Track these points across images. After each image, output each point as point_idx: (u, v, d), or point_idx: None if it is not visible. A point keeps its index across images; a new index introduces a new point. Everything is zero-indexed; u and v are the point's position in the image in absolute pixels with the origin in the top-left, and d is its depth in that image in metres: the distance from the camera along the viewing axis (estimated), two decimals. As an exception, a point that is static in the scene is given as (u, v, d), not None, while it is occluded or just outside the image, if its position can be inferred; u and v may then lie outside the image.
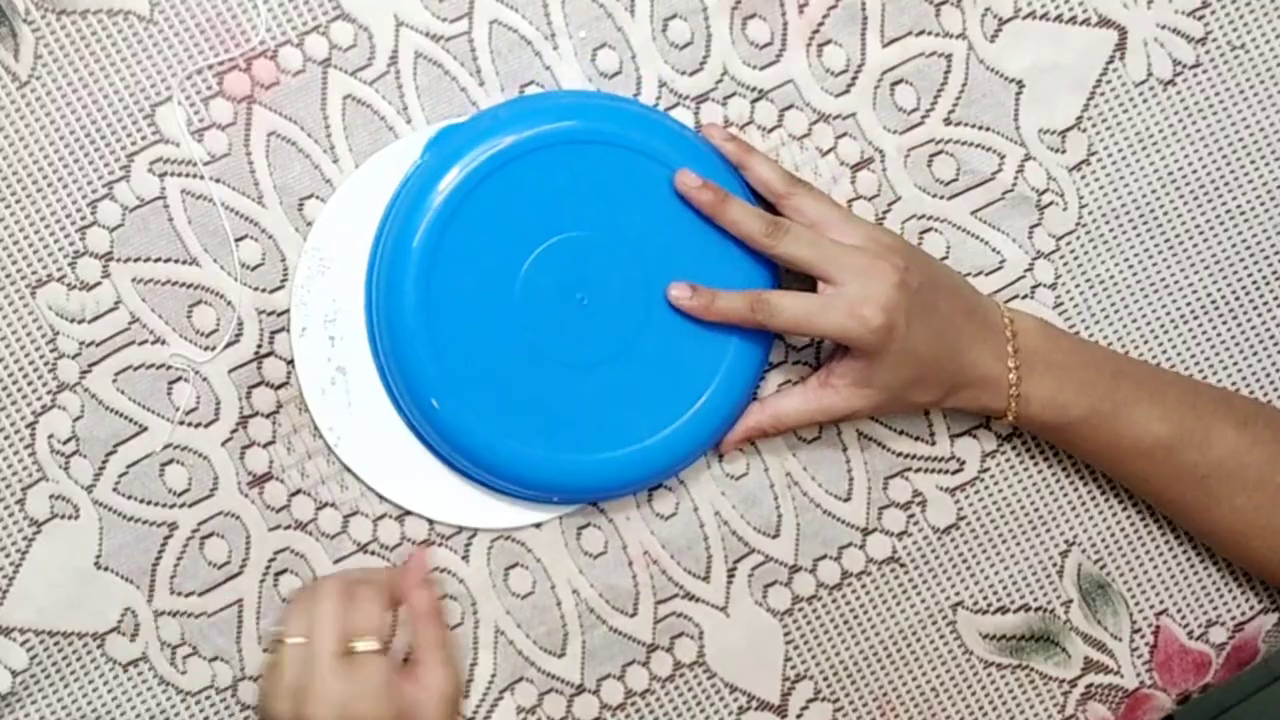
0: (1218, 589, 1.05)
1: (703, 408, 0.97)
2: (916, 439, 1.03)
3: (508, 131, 0.94)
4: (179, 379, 0.97)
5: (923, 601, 1.04)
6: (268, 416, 0.98)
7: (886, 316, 0.91)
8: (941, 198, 1.02)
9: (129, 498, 0.97)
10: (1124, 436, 0.97)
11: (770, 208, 0.96)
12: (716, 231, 0.96)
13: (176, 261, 0.97)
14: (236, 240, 0.97)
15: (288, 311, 0.97)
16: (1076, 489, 1.04)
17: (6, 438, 0.96)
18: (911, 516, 1.04)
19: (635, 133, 0.95)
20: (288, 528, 0.99)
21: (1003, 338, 0.96)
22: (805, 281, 0.94)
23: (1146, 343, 1.04)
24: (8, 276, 0.95)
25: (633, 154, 0.95)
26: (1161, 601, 1.05)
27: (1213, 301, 1.04)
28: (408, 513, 1.00)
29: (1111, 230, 1.03)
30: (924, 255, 0.98)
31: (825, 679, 1.04)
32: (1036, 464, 1.04)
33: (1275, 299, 1.05)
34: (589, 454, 0.96)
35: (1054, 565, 1.04)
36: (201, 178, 0.96)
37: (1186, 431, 0.97)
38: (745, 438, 0.99)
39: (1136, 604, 1.05)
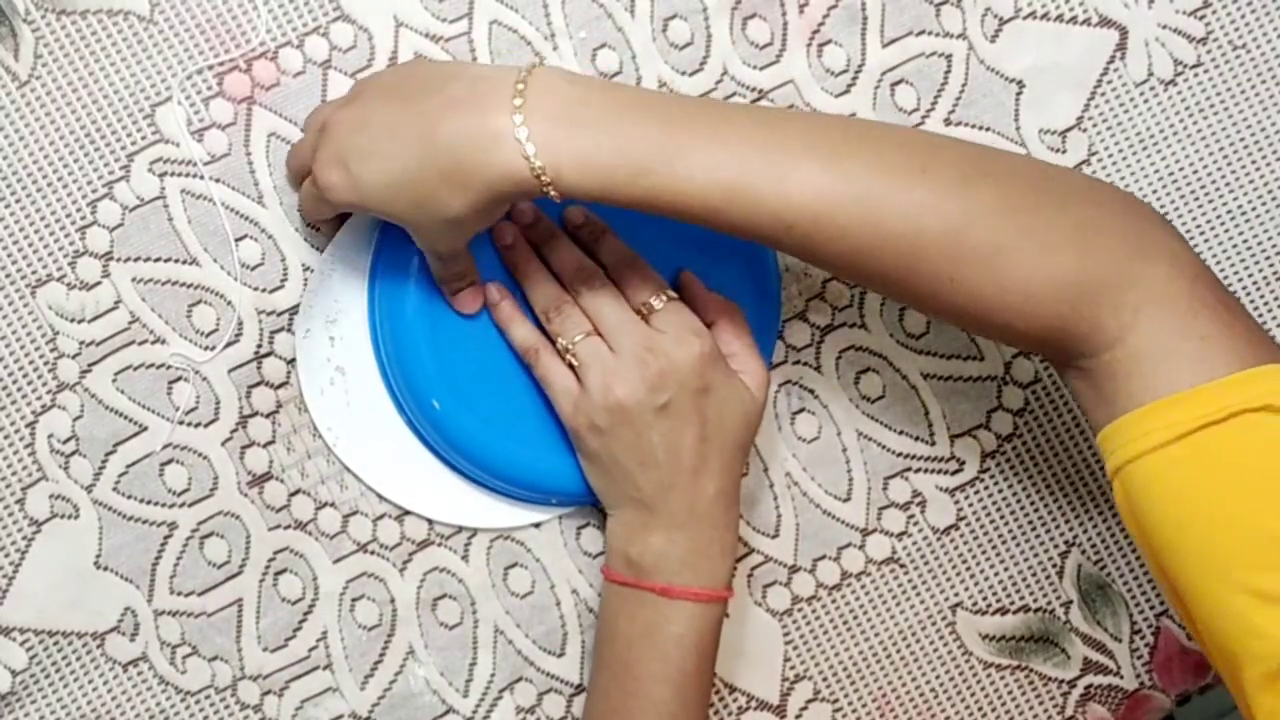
0: (1217, 590, 1.05)
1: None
2: (916, 439, 1.03)
3: None
4: (179, 379, 0.97)
5: (922, 602, 1.04)
6: (267, 416, 0.98)
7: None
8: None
9: (129, 497, 0.97)
10: (677, 193, 0.83)
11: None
12: (716, 234, 0.96)
13: (176, 261, 0.97)
14: (236, 240, 0.97)
15: (288, 311, 0.97)
16: (1076, 489, 1.04)
17: (6, 437, 0.96)
18: (911, 517, 1.04)
19: None
20: (287, 527, 0.99)
21: (508, 103, 0.82)
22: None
23: (1147, 343, 1.04)
24: (8, 276, 0.95)
25: None
26: (1161, 602, 1.05)
27: (1213, 302, 1.04)
28: (407, 512, 1.00)
29: (1112, 231, 1.03)
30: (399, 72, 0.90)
31: (824, 679, 1.04)
32: (1036, 464, 1.04)
33: (1275, 299, 1.05)
34: None
35: (1054, 566, 1.04)
36: (201, 178, 0.96)
37: (752, 175, 0.82)
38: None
39: (1136, 605, 1.05)
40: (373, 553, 1.00)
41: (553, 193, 0.82)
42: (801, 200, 0.81)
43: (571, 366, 0.93)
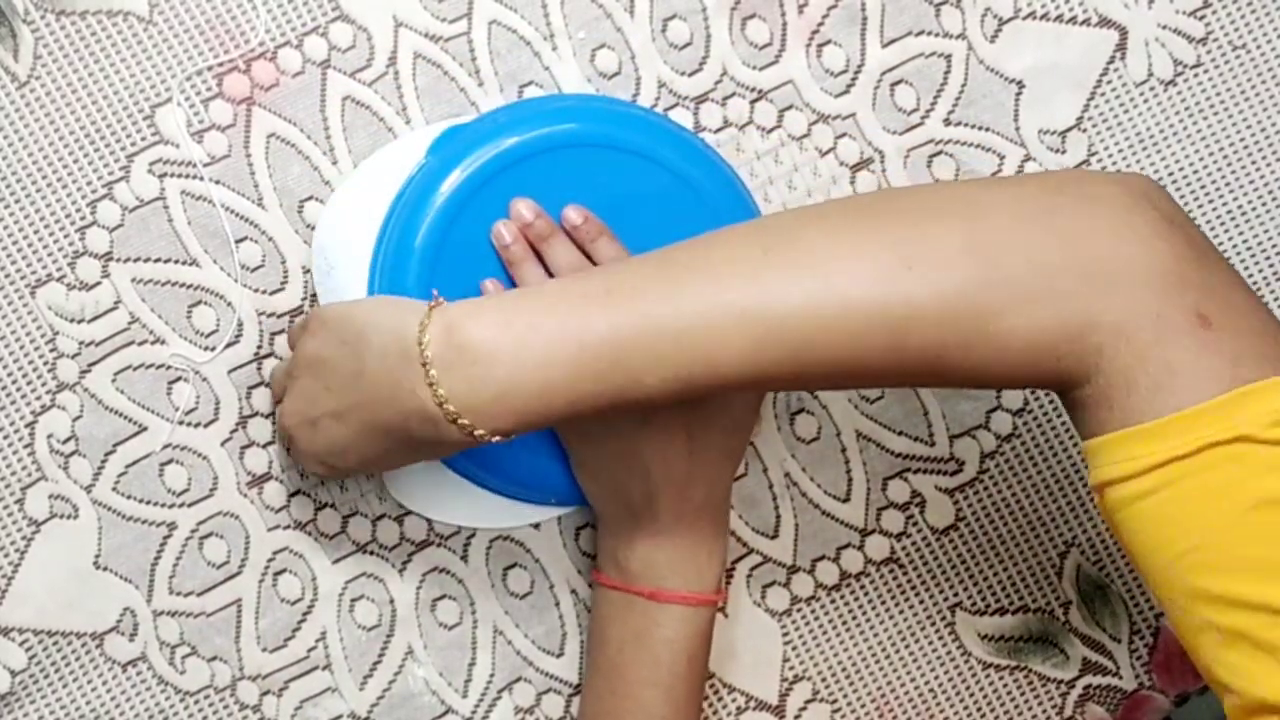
0: (1217, 590, 1.05)
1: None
2: (916, 440, 1.03)
3: (510, 134, 0.94)
4: (179, 379, 0.97)
5: (921, 602, 1.04)
6: (267, 417, 0.98)
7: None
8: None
9: (128, 497, 0.97)
10: (638, 375, 0.79)
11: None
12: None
13: (176, 262, 0.97)
14: (236, 241, 0.97)
15: (288, 313, 0.97)
16: (1076, 490, 1.04)
17: (6, 437, 0.96)
18: (910, 517, 1.04)
19: (637, 136, 0.95)
20: (287, 528, 0.99)
21: (415, 361, 0.80)
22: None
23: (1146, 344, 1.04)
24: (7, 276, 0.95)
25: (635, 157, 0.95)
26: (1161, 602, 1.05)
27: (1213, 302, 1.04)
28: (407, 513, 1.00)
29: (1111, 231, 1.03)
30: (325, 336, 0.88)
31: (824, 680, 1.04)
32: (1036, 465, 1.04)
33: (1275, 299, 1.05)
34: None
35: (1053, 566, 1.04)
36: (201, 179, 0.96)
37: (688, 363, 0.78)
38: None
39: (1136, 605, 1.05)
40: (372, 553, 1.00)
41: (495, 438, 0.80)
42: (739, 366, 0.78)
43: None
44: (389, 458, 0.86)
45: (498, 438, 0.80)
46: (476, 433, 0.79)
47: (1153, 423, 0.73)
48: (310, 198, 0.97)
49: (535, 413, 0.79)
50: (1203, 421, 0.72)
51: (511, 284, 0.95)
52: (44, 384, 0.96)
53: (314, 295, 0.97)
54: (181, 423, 0.98)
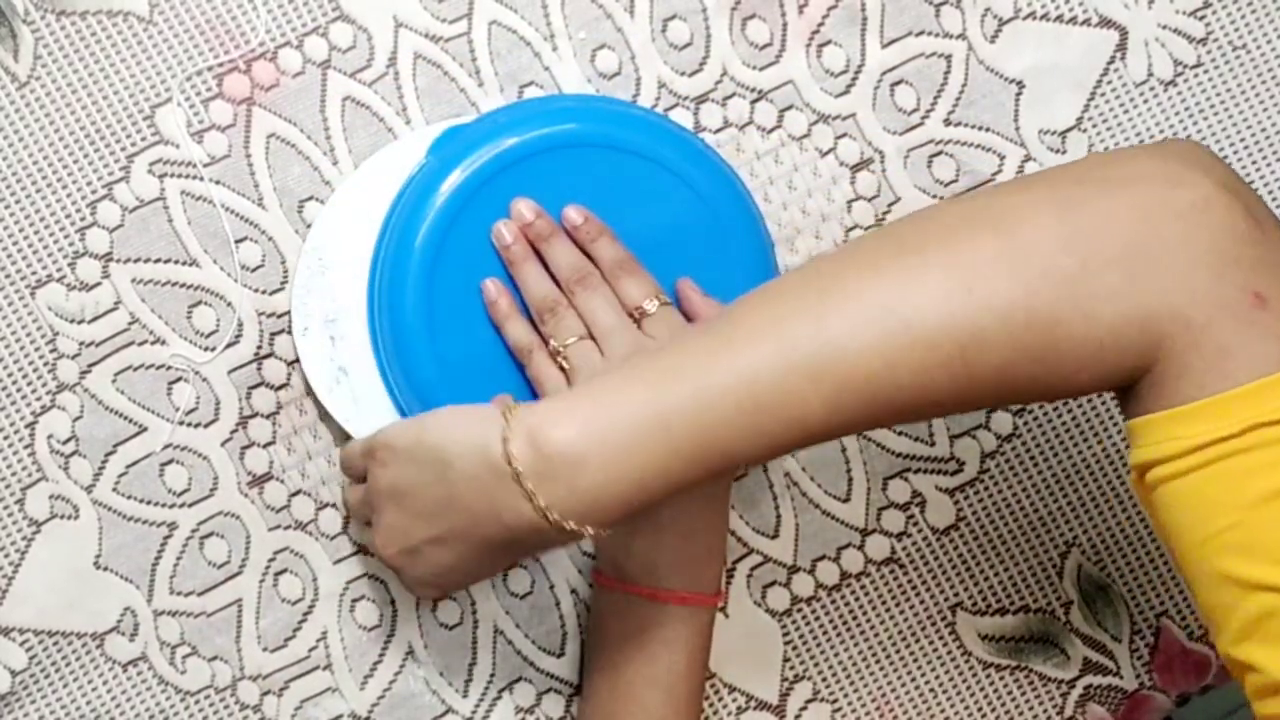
0: (1217, 590, 1.05)
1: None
2: (916, 439, 1.03)
3: (510, 134, 0.95)
4: (179, 379, 0.97)
5: (921, 602, 1.04)
6: (268, 417, 0.98)
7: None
8: (941, 198, 1.02)
9: (129, 498, 0.97)
10: (715, 456, 0.79)
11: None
12: (717, 234, 0.96)
13: (176, 262, 0.97)
14: (236, 242, 0.97)
15: (288, 313, 0.97)
16: (1076, 490, 1.04)
17: (6, 438, 0.96)
18: (911, 517, 1.04)
19: (637, 136, 0.95)
20: (287, 528, 0.99)
21: (508, 478, 0.80)
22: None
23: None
24: (7, 277, 0.95)
25: (635, 157, 0.95)
26: (1162, 602, 1.05)
27: (1213, 302, 1.04)
28: (408, 512, 1.00)
29: (1111, 231, 1.03)
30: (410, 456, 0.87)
31: (824, 679, 1.04)
32: (1036, 465, 1.04)
33: (1276, 300, 1.04)
34: None
35: (1053, 566, 1.04)
36: (201, 179, 0.96)
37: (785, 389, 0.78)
38: None
39: (1136, 605, 1.05)
40: (373, 553, 1.00)
41: (600, 530, 0.81)
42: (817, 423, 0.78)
43: (563, 369, 0.93)
44: (497, 567, 0.90)
45: (606, 530, 0.81)
46: (585, 531, 0.80)
47: (1198, 403, 0.73)
48: (310, 198, 0.97)
49: (636, 502, 0.80)
50: (1249, 402, 0.72)
51: (512, 283, 0.95)
52: (44, 384, 0.96)
53: (298, 296, 0.97)
54: (182, 423, 0.98)
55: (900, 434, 1.03)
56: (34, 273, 0.96)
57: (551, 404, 0.82)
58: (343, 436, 0.98)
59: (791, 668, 1.04)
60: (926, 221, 0.80)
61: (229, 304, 0.97)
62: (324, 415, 0.98)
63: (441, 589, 0.90)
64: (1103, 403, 1.04)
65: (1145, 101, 1.03)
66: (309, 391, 0.98)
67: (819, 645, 1.04)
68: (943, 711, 1.05)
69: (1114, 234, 0.74)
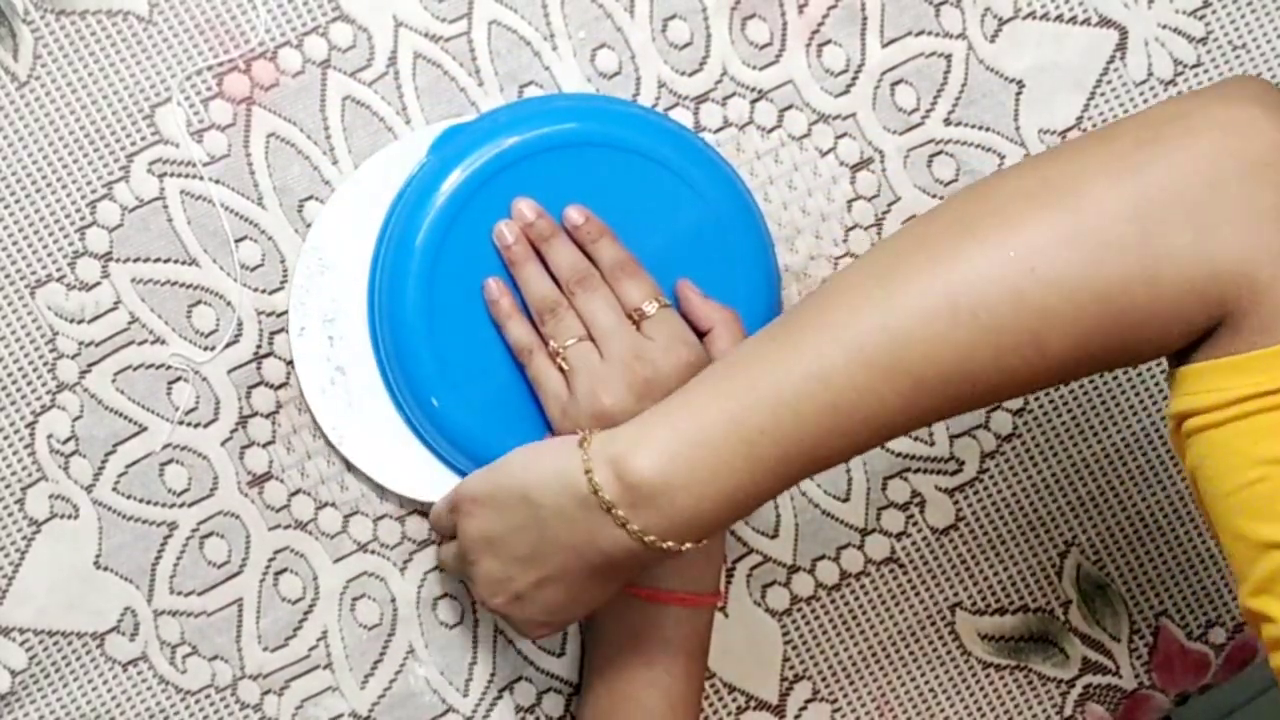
0: (1217, 589, 1.05)
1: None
2: (916, 439, 1.03)
3: (511, 133, 0.95)
4: (178, 379, 0.97)
5: (921, 602, 1.04)
6: (267, 416, 0.98)
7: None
8: (942, 198, 1.02)
9: (128, 497, 0.97)
10: (827, 465, 0.81)
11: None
12: (717, 234, 0.96)
13: (176, 262, 0.97)
14: (236, 241, 0.97)
15: (287, 312, 0.97)
16: (1076, 490, 1.04)
17: (6, 438, 0.96)
18: (910, 517, 1.04)
19: (637, 135, 0.95)
20: (287, 527, 0.99)
21: (598, 509, 0.82)
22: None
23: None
24: (7, 277, 0.95)
25: (635, 156, 0.95)
26: (1161, 602, 1.05)
27: (1213, 302, 1.04)
28: (409, 512, 1.00)
29: (1111, 231, 1.03)
30: (502, 499, 0.89)
31: (824, 679, 1.04)
32: (1036, 465, 1.04)
33: (1275, 299, 1.04)
34: None
35: (1053, 566, 1.04)
36: (201, 178, 0.96)
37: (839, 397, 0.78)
38: None
39: (1136, 605, 1.05)
40: (373, 552, 1.00)
41: (677, 547, 0.82)
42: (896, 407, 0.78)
43: (562, 370, 0.93)
44: (606, 593, 0.88)
45: (705, 542, 0.83)
46: (684, 549, 0.82)
47: (1245, 355, 0.72)
48: (310, 197, 0.97)
49: (729, 516, 0.82)
50: None
51: (512, 282, 0.95)
52: (44, 384, 0.96)
53: (296, 295, 0.97)
54: (181, 423, 0.98)
55: (900, 433, 1.03)
56: (34, 272, 0.96)
57: (630, 432, 0.83)
58: (328, 443, 0.99)
59: (791, 667, 1.04)
60: (982, 200, 0.79)
61: (229, 303, 0.97)
62: (324, 415, 0.99)
63: (554, 626, 0.91)
64: (1102, 402, 1.04)
65: (1145, 101, 1.03)
66: (308, 391, 0.98)
67: (819, 645, 1.04)
68: (942, 711, 1.05)
69: (1176, 195, 0.73)
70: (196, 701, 0.99)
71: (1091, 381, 1.03)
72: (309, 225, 0.97)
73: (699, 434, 0.80)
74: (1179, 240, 0.73)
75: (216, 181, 0.97)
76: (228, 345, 0.97)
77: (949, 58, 1.02)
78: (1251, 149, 0.73)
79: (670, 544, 0.82)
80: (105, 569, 0.98)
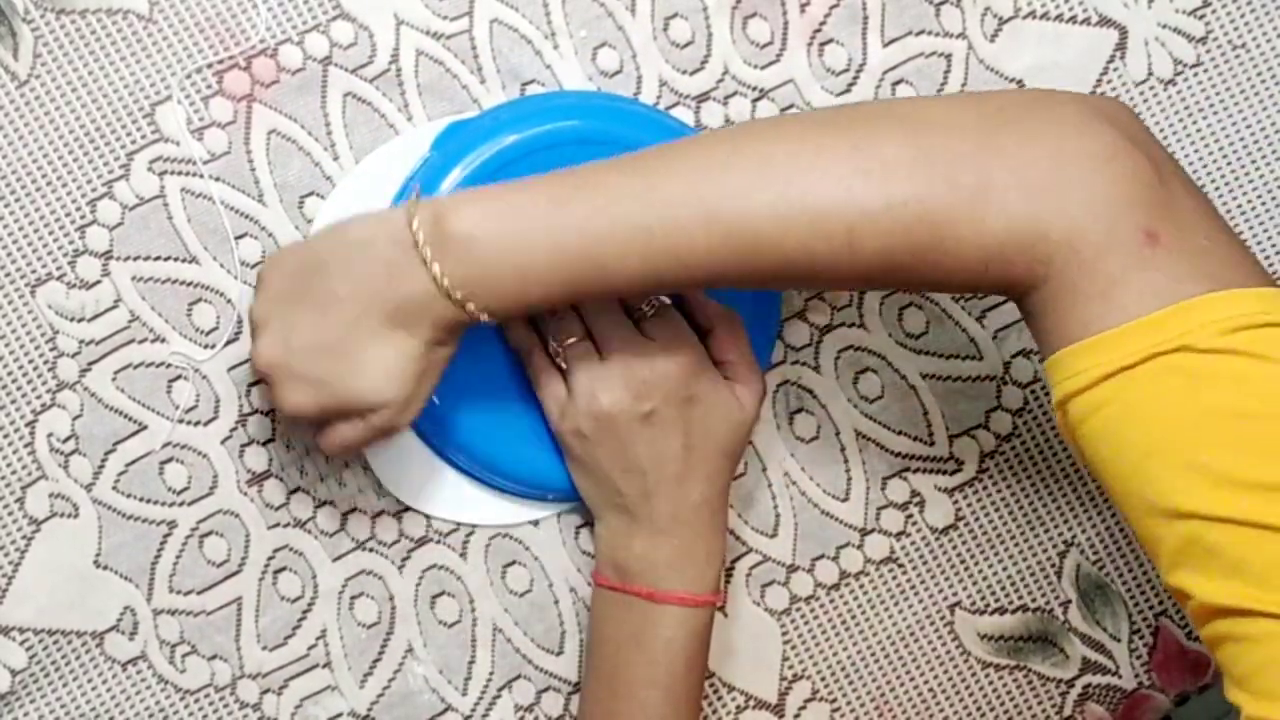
0: (1216, 589, 1.05)
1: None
2: (915, 439, 1.03)
3: (511, 131, 0.94)
4: (179, 377, 0.97)
5: (920, 602, 1.04)
6: (267, 414, 0.98)
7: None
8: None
9: (128, 496, 0.97)
10: (610, 274, 0.82)
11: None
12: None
13: (176, 260, 0.97)
14: (236, 238, 0.97)
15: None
16: (1075, 489, 1.04)
17: (6, 436, 0.96)
18: (910, 517, 1.04)
19: (640, 133, 0.95)
20: (286, 525, 0.99)
21: (408, 246, 0.83)
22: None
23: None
24: (7, 275, 0.95)
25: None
26: (1160, 602, 1.05)
27: (1212, 302, 1.04)
28: (406, 509, 1.00)
29: (1111, 231, 1.03)
30: (293, 252, 0.89)
31: (823, 679, 1.04)
32: (1035, 464, 1.04)
33: (1275, 299, 1.05)
34: None
35: (1052, 566, 1.05)
36: (201, 176, 0.96)
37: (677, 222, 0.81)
38: None
39: (1135, 604, 1.05)
40: (371, 550, 1.00)
41: (489, 318, 0.84)
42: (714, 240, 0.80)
43: (561, 370, 0.93)
44: (381, 362, 0.85)
45: (486, 316, 0.83)
46: (468, 307, 0.83)
47: (1098, 335, 0.75)
48: (311, 193, 0.97)
49: (518, 290, 0.83)
50: (1145, 333, 0.74)
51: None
52: (44, 383, 0.96)
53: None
54: (181, 421, 0.98)
55: (899, 433, 1.03)
56: (34, 271, 0.96)
57: (458, 196, 0.85)
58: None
59: (790, 667, 1.04)
60: (855, 110, 0.86)
61: (229, 301, 0.97)
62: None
63: (319, 399, 0.86)
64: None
65: (1145, 101, 1.03)
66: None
67: (818, 644, 1.04)
68: (941, 711, 1.05)
69: (1021, 162, 0.78)
70: (196, 701, 0.99)
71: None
72: (309, 221, 0.97)
73: (518, 206, 0.82)
74: (1013, 199, 0.77)
75: (217, 179, 0.96)
76: (228, 343, 0.97)
77: (949, 57, 1.02)
78: (1096, 145, 0.77)
79: (461, 296, 0.82)
80: (105, 568, 0.98)
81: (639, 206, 0.81)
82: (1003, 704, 1.05)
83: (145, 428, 0.97)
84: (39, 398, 0.96)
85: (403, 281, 0.83)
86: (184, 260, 0.97)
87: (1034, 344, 1.02)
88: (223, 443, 0.98)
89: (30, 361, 0.96)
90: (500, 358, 0.96)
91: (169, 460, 0.98)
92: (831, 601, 1.04)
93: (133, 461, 0.97)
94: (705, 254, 0.80)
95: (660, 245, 0.81)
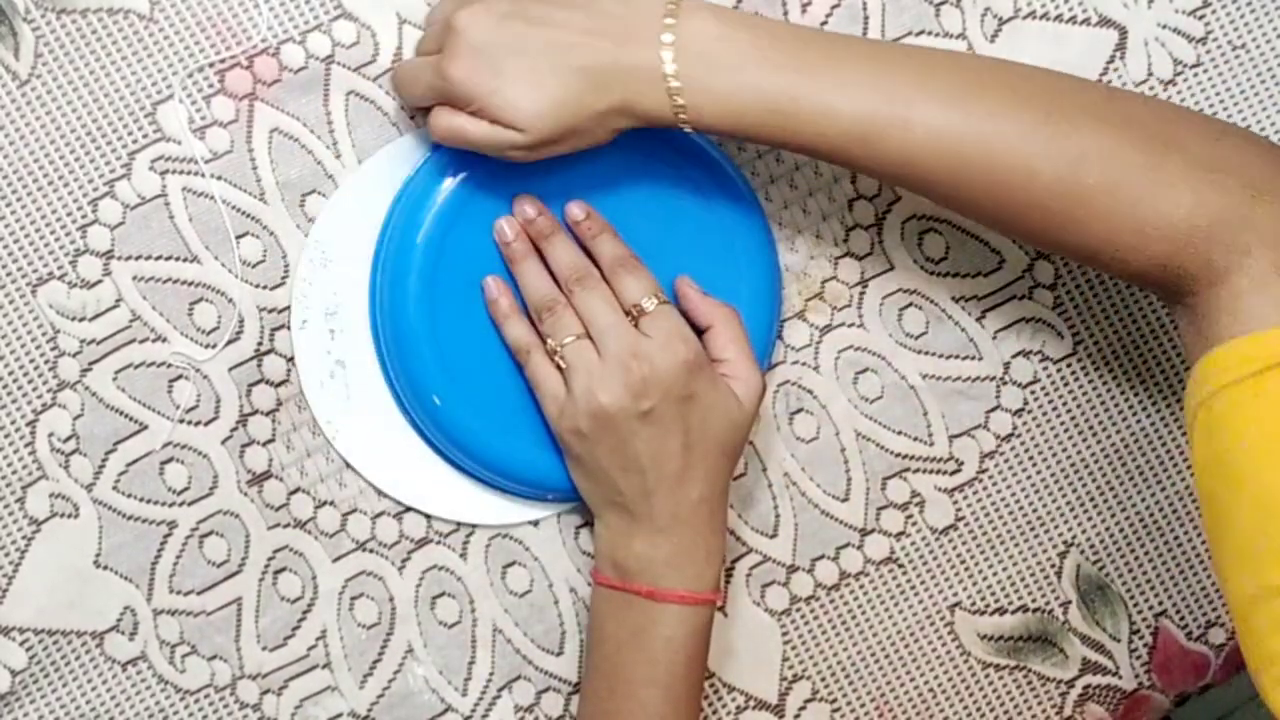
0: (1217, 590, 1.05)
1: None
2: (915, 439, 1.03)
3: None
4: (179, 377, 0.97)
5: (920, 602, 1.04)
6: (267, 414, 0.98)
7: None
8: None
9: (129, 496, 0.97)
10: (803, 134, 0.87)
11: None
12: (719, 231, 0.96)
13: (177, 259, 0.96)
14: (237, 237, 0.97)
15: (289, 308, 0.97)
16: (1075, 490, 1.04)
17: (7, 436, 0.96)
18: (910, 517, 1.04)
19: (640, 133, 0.95)
20: (287, 526, 0.99)
21: (656, 38, 0.86)
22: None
23: (1146, 343, 1.04)
24: (8, 275, 0.95)
25: (637, 154, 0.95)
26: (1160, 603, 1.05)
27: (1211, 302, 1.04)
28: (406, 510, 1.00)
29: (1111, 231, 1.04)
30: None
31: (823, 679, 1.04)
32: (1035, 465, 1.04)
33: (1274, 300, 1.05)
34: None
35: (1052, 566, 1.05)
36: (203, 175, 0.96)
37: (877, 117, 0.86)
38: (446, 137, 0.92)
39: (1135, 605, 1.05)
40: (371, 551, 1.00)
41: (686, 127, 0.87)
42: (923, 139, 0.85)
43: (560, 368, 0.93)
44: (548, 101, 0.87)
45: (688, 126, 0.88)
46: (676, 99, 0.86)
47: (1274, 329, 0.77)
48: (313, 192, 0.97)
49: (728, 116, 0.87)
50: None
51: (513, 281, 0.95)
52: (45, 382, 0.96)
53: (299, 288, 0.97)
54: (182, 421, 0.97)
55: (899, 434, 1.03)
56: (35, 270, 0.95)
57: (716, 12, 0.88)
58: (326, 439, 0.99)
59: (790, 667, 1.04)
60: (1088, 86, 0.90)
61: (230, 300, 0.97)
62: (324, 413, 0.99)
63: (474, 83, 0.88)
64: (1102, 402, 1.04)
65: (1144, 102, 1.03)
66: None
67: (818, 645, 1.04)
68: (941, 711, 1.05)
69: (1235, 159, 0.82)
70: (196, 701, 0.99)
71: (1091, 381, 1.04)
72: (311, 220, 0.97)
73: (755, 55, 0.86)
74: (1185, 195, 0.81)
75: (218, 178, 0.96)
76: (229, 343, 0.97)
77: (949, 58, 1.02)
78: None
79: (681, 100, 0.86)
80: (105, 568, 0.98)
81: (845, 98, 0.85)
82: (1003, 704, 1.05)
83: (146, 428, 0.97)
84: (40, 397, 0.96)
85: (626, 44, 0.86)
86: (185, 260, 0.97)
87: (1034, 344, 1.02)
88: (223, 443, 0.98)
89: (31, 361, 0.96)
90: (500, 358, 0.96)
91: (169, 460, 0.98)
92: (831, 602, 1.04)
93: (133, 461, 0.97)
94: (896, 156, 0.86)
95: (855, 133, 0.86)
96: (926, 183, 0.87)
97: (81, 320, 0.96)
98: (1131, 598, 1.05)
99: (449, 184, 0.94)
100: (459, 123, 0.89)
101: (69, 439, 0.96)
